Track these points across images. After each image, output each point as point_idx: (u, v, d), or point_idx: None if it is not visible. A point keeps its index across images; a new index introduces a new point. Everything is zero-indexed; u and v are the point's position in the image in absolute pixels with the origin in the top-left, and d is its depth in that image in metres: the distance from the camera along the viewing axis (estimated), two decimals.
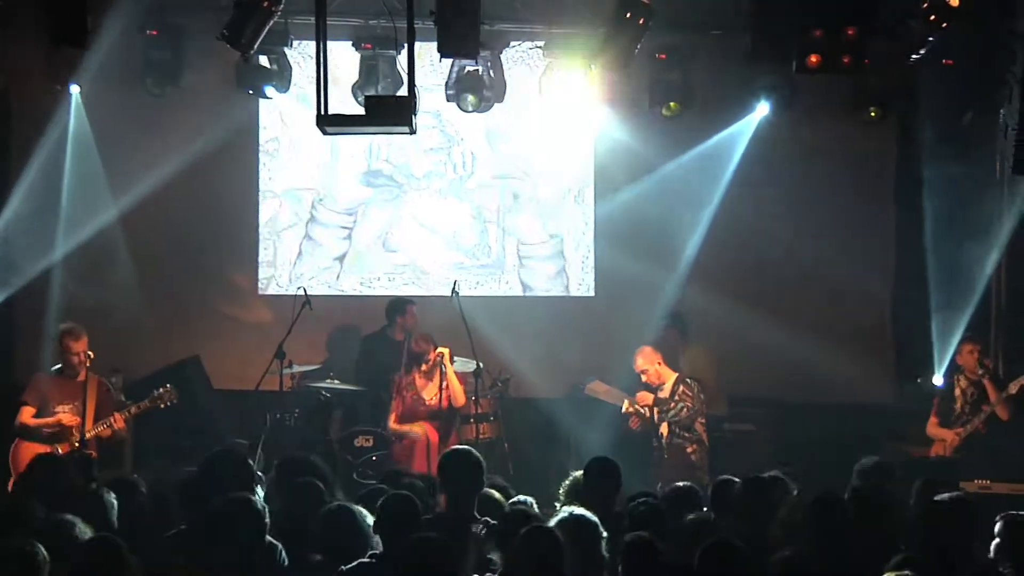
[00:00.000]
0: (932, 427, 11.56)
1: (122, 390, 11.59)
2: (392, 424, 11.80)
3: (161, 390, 10.94)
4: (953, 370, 11.70)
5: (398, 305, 12.67)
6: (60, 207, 12.77)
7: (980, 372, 11.26)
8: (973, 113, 12.24)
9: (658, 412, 11.43)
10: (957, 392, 11.45)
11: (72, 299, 12.46)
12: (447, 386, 11.47)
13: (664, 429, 11.39)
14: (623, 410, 11.61)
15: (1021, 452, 10.91)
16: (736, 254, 13.14)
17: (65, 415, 10.69)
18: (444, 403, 11.50)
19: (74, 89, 12.41)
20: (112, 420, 10.71)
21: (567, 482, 8.31)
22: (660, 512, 7.40)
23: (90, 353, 10.76)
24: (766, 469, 8.63)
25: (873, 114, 12.74)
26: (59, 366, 10.80)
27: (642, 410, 11.49)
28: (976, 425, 11.20)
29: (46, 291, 12.67)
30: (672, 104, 12.66)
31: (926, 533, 6.83)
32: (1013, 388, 11.14)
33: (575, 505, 7.14)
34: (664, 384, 11.49)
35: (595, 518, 6.70)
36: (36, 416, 10.76)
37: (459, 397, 11.59)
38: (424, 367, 11.60)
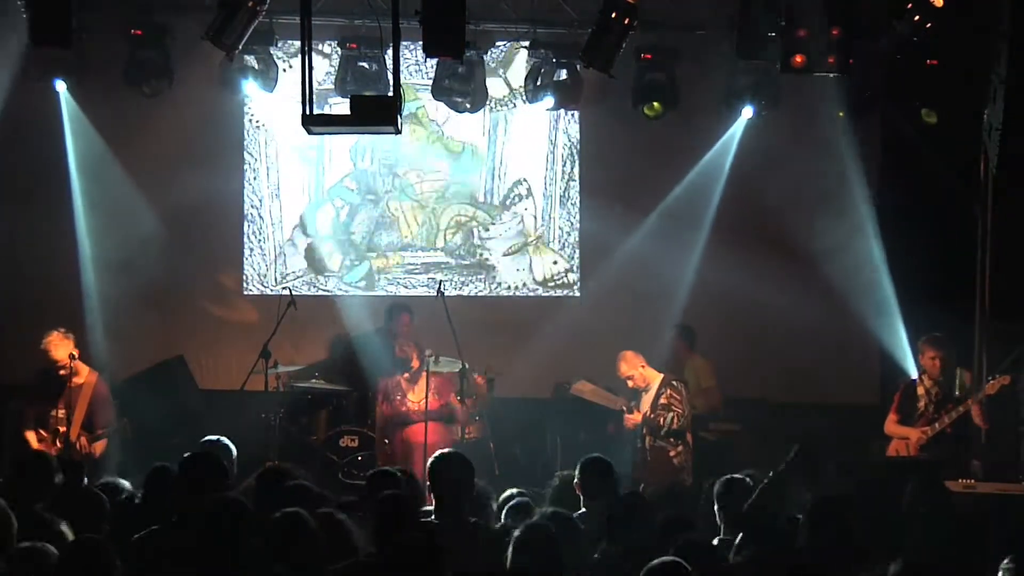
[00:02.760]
0: (891, 424, 11.34)
1: None
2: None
3: (119, 424, 11.03)
4: (918, 369, 11.57)
5: (393, 310, 12.63)
6: (73, 208, 12.78)
7: (964, 397, 11.12)
8: (931, 109, 12.25)
9: (648, 431, 11.28)
10: (921, 391, 11.22)
11: (55, 298, 12.45)
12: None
13: (648, 435, 11.32)
14: (620, 409, 11.52)
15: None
16: (720, 255, 13.14)
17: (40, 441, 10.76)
18: (432, 405, 11.46)
19: (60, 86, 12.34)
20: (80, 443, 10.73)
21: (555, 483, 8.33)
22: (647, 514, 7.39)
23: (74, 352, 10.77)
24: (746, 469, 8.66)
25: (840, 114, 12.76)
26: (74, 356, 10.80)
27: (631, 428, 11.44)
28: (944, 424, 11.11)
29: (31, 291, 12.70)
30: (655, 104, 12.65)
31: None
32: (991, 389, 11.06)
33: (561, 506, 7.18)
34: (650, 385, 11.36)
35: (569, 514, 6.77)
36: (38, 420, 10.83)
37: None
38: (407, 374, 11.56)
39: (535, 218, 13.88)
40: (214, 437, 8.71)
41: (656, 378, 11.32)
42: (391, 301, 12.92)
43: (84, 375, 10.88)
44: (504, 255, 13.85)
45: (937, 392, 11.18)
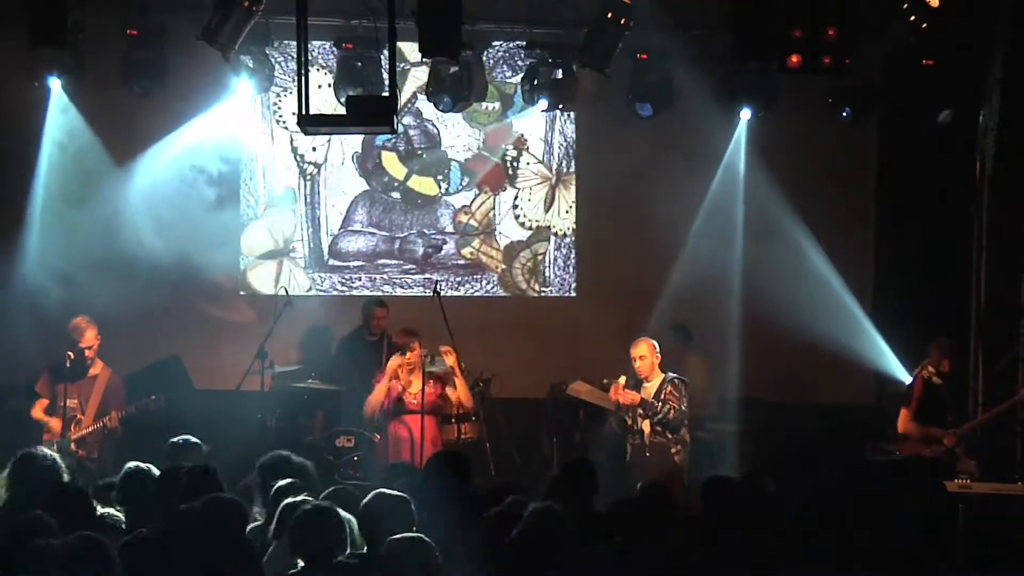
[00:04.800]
0: (909, 423, 11.15)
1: None
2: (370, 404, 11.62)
3: (152, 399, 11.12)
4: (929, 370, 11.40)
5: (366, 308, 12.66)
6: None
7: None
8: (950, 112, 12.22)
9: (642, 413, 11.21)
10: (944, 391, 11.18)
11: (50, 298, 12.42)
12: (457, 388, 11.42)
13: (646, 427, 11.20)
14: (612, 396, 11.24)
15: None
16: (719, 255, 13.14)
17: (54, 420, 10.97)
18: (429, 399, 11.41)
19: (54, 84, 12.20)
20: (107, 420, 10.85)
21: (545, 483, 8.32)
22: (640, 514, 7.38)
23: (97, 340, 11.09)
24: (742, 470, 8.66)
25: (844, 114, 12.76)
26: (71, 357, 10.95)
27: (625, 411, 11.26)
28: (975, 426, 11.03)
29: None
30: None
31: None
32: None
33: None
34: (652, 380, 11.24)
35: (558, 509, 6.77)
36: (48, 409, 11.06)
37: (467, 400, 11.51)
38: (409, 356, 11.42)
39: (542, 162, 13.88)
40: (180, 439, 8.71)
41: (659, 376, 11.20)
42: (365, 298, 12.98)
43: (99, 368, 11.18)
44: (545, 212, 13.89)
45: (947, 392, 11.15)
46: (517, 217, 13.89)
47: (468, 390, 11.53)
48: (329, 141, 13.56)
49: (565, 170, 13.88)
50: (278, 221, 13.68)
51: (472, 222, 13.86)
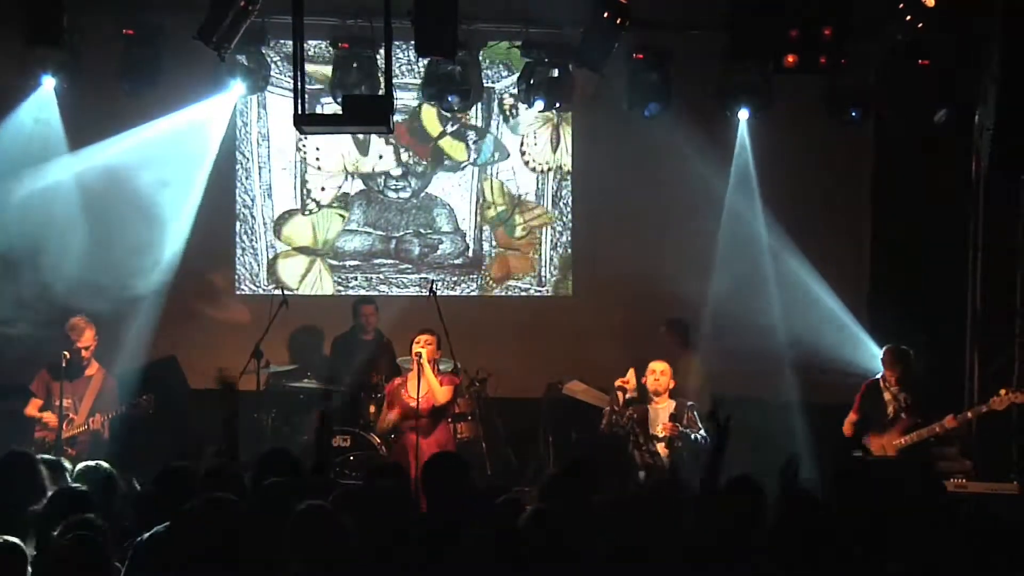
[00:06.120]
0: (847, 426, 11.22)
1: None
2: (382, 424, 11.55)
3: (143, 398, 11.15)
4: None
5: (355, 306, 12.71)
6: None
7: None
8: (946, 111, 12.21)
9: (679, 443, 10.97)
10: (888, 396, 11.07)
11: (45, 298, 12.42)
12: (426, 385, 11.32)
13: (662, 450, 10.99)
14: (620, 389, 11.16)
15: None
16: (714, 255, 13.14)
17: (48, 415, 11.00)
18: (432, 402, 11.35)
19: (48, 82, 12.09)
20: (92, 421, 10.89)
21: (542, 482, 8.31)
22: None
23: (94, 341, 11.15)
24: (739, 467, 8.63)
25: (853, 114, 12.76)
26: (66, 357, 10.97)
27: (628, 423, 11.17)
28: (931, 432, 10.96)
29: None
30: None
31: None
32: (999, 405, 10.74)
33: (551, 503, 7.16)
34: (661, 401, 11.14)
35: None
36: (41, 409, 11.10)
37: (439, 395, 11.35)
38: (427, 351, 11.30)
39: (527, 218, 13.91)
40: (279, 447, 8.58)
41: (669, 401, 11.15)
42: (355, 298, 13.01)
43: (94, 369, 11.22)
44: (553, 152, 13.87)
45: (907, 398, 11.03)
46: (527, 163, 13.87)
47: (438, 385, 11.12)
48: (340, 188, 13.61)
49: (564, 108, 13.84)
50: (324, 220, 13.71)
51: (499, 208, 13.86)
